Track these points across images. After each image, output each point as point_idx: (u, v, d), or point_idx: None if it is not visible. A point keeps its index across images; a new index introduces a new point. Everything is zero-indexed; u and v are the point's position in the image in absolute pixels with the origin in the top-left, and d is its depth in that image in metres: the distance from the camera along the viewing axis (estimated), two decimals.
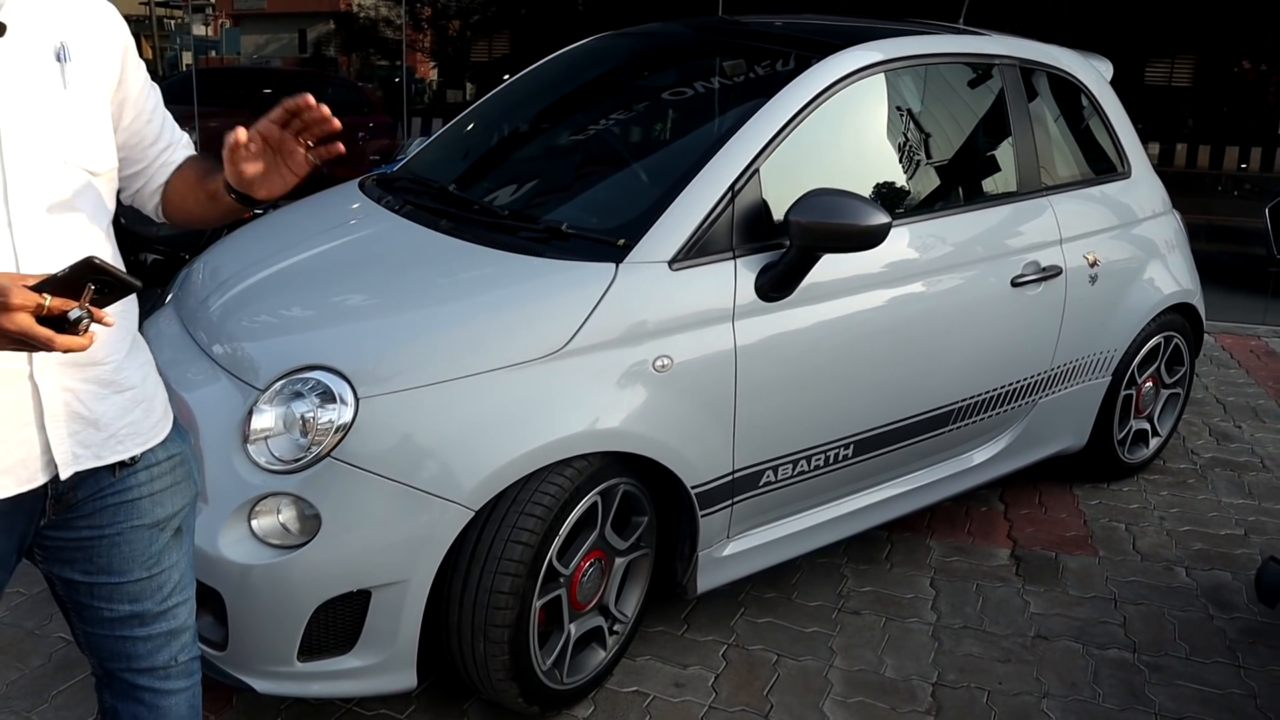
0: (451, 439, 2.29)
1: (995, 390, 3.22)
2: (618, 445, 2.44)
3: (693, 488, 2.60)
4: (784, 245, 2.61)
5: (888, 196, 2.94)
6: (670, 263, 2.51)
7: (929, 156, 3.08)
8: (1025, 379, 3.32)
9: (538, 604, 2.43)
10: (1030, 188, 3.30)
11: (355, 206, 3.13)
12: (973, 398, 3.16)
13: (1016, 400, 3.33)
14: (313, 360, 2.35)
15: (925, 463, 3.21)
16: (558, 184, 2.95)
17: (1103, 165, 3.67)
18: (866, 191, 2.81)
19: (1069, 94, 3.65)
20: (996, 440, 3.41)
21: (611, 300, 2.44)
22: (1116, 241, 3.56)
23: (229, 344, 2.57)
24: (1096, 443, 3.78)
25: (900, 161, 3.00)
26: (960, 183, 3.16)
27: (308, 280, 2.69)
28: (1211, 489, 3.96)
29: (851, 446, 2.91)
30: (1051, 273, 3.26)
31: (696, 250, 2.55)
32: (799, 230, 2.52)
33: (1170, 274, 3.79)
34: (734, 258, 2.60)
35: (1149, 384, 3.89)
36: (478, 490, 2.30)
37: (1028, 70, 3.43)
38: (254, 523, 2.33)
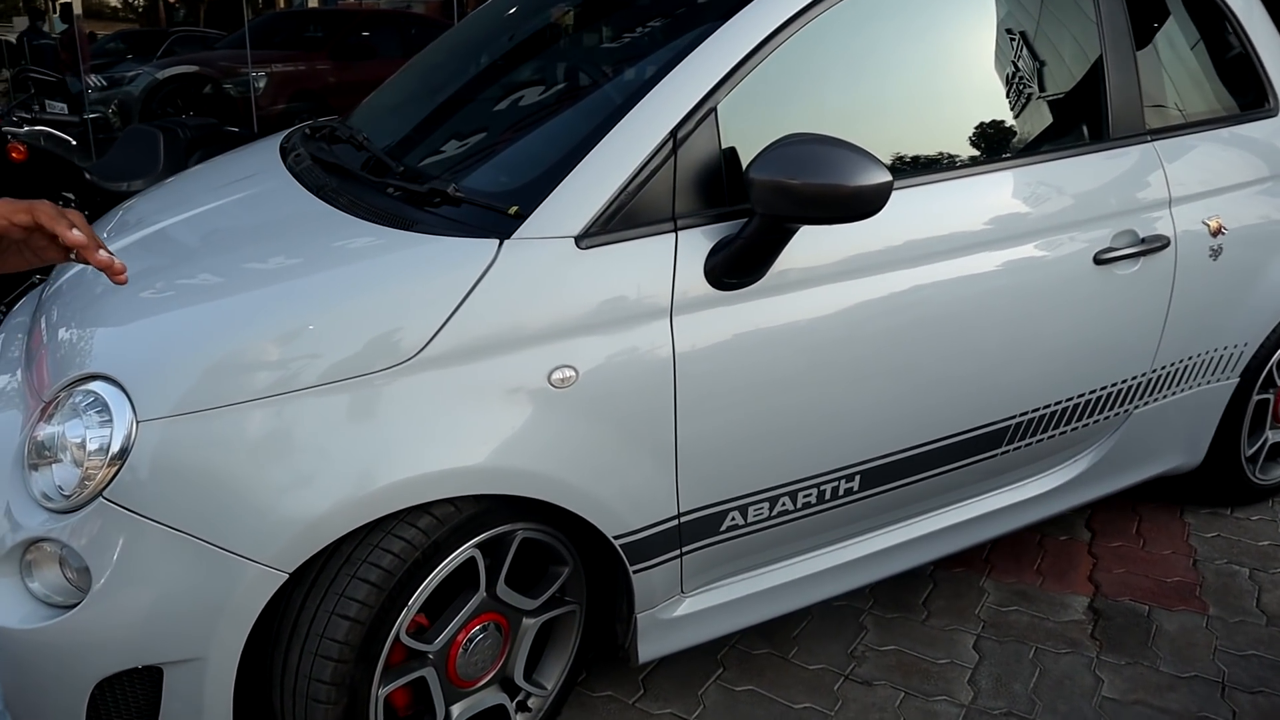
0: (257, 478, 1.64)
1: (1068, 401, 2.37)
2: (493, 486, 1.75)
3: (617, 538, 1.90)
4: (747, 213, 1.87)
5: (906, 146, 2.10)
6: (579, 238, 1.78)
7: (973, 88, 2.21)
8: (1112, 386, 2.46)
9: (383, 692, 1.79)
10: (1128, 129, 2.39)
11: (259, 161, 2.51)
12: (1035, 412, 2.32)
13: (1100, 412, 2.47)
14: (95, 367, 1.75)
15: (968, 493, 2.40)
16: (479, 137, 2.23)
17: (1239, 98, 2.70)
18: (875, 141, 1.99)
19: (1200, 6, 2.70)
20: (1073, 462, 2.56)
21: (488, 290, 1.73)
22: (1253, 201, 2.60)
23: (42, 340, 2.01)
24: (1217, 460, 2.86)
25: (928, 97, 2.15)
26: (1019, 126, 2.27)
27: (146, 259, 2.07)
28: None
29: (857, 478, 2.13)
30: (1155, 244, 2.36)
31: (619, 220, 1.81)
32: (763, 193, 1.75)
33: None
34: (675, 230, 1.84)
35: None
36: (291, 547, 1.65)
37: None
38: (27, 575, 1.77)
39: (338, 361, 1.66)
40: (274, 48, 8.40)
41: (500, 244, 1.75)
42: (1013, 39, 2.28)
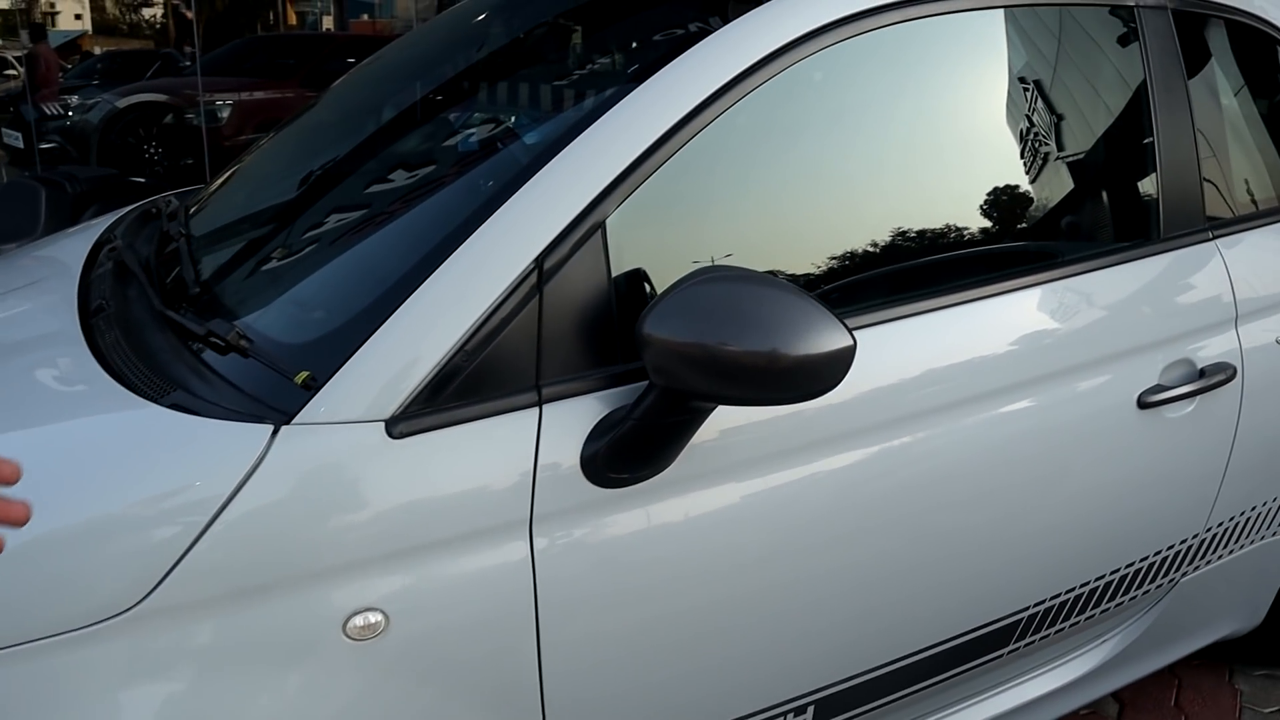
0: None
1: (1097, 581, 1.75)
2: None
3: None
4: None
5: (874, 263, 1.48)
6: (393, 421, 1.18)
7: (970, 180, 1.58)
8: (1155, 555, 1.83)
9: None
10: (1184, 224, 1.78)
11: (65, 253, 1.92)
12: (1054, 599, 1.72)
13: (1138, 588, 1.84)
14: None
15: (967, 693, 1.81)
16: (307, 249, 1.59)
17: None
18: (835, 259, 1.39)
19: (1260, 56, 2.09)
20: (1101, 644, 1.95)
21: (248, 504, 1.12)
22: None
23: None
24: (1277, 618, 2.26)
25: (909, 196, 1.52)
26: (1036, 226, 1.66)
27: None
28: None
29: (811, 709, 1.54)
30: (1217, 377, 1.75)
31: (455, 391, 1.20)
32: (662, 358, 1.15)
33: None
34: (538, 403, 1.24)
35: None
36: None
37: (1190, 18, 1.90)
38: None
39: (12, 618, 1.08)
40: (244, 74, 7.81)
41: (274, 433, 1.15)
42: (1027, 110, 1.67)
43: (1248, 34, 2.00)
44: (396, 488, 1.17)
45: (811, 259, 1.41)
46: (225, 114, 7.42)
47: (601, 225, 1.24)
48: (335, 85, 2.09)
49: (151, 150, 7.60)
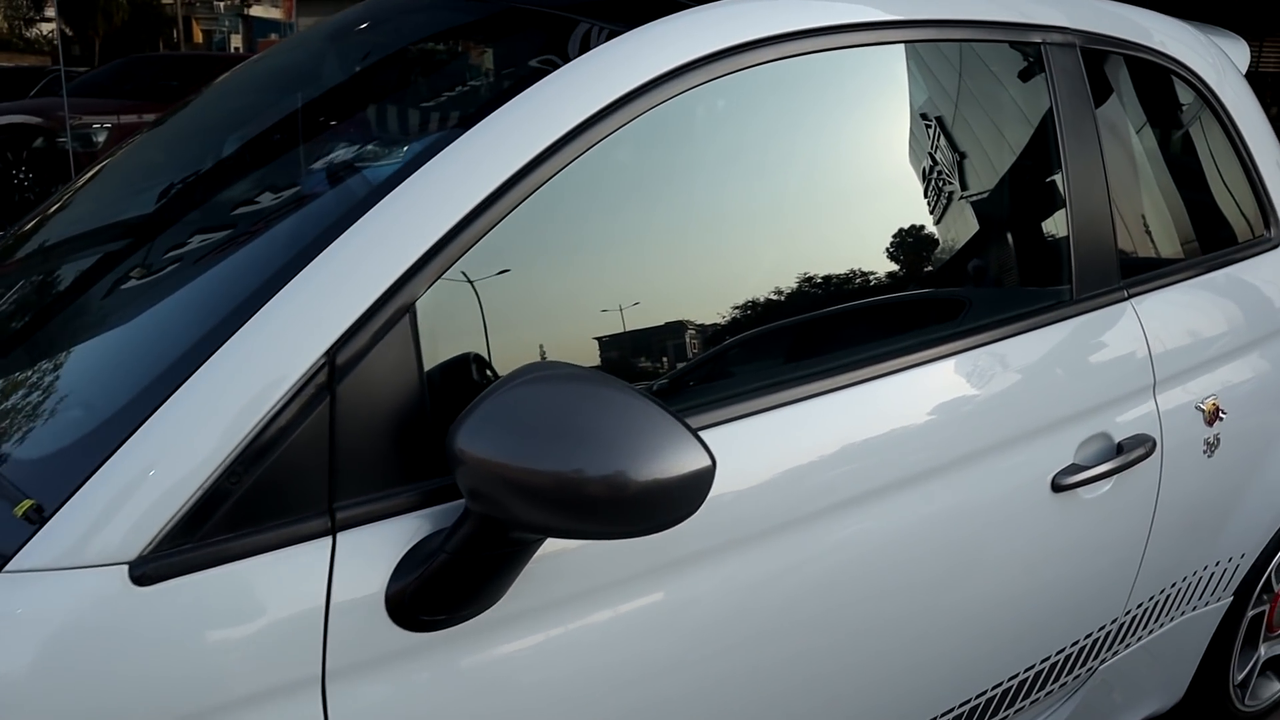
0: None
1: (1011, 681, 1.56)
2: None
3: None
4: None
5: (759, 343, 1.26)
6: (139, 564, 0.90)
7: (866, 243, 1.37)
8: (1072, 646, 1.64)
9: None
10: (1097, 283, 1.59)
11: None
12: (962, 705, 1.52)
13: (1055, 681, 1.64)
14: None
15: None
16: (76, 333, 1.30)
17: (1232, 226, 1.97)
18: (694, 341, 1.17)
19: (1172, 99, 1.95)
20: None
21: None
22: (1255, 366, 1.84)
23: None
24: (1199, 694, 2.11)
25: (796, 260, 1.30)
26: (938, 294, 1.47)
27: None
28: None
29: None
30: (1137, 452, 1.57)
31: (222, 521, 0.93)
32: (478, 479, 0.92)
33: None
34: (331, 531, 0.99)
35: None
36: None
37: (1097, 55, 1.75)
38: None
39: None
40: (124, 96, 7.33)
41: None
42: (924, 161, 1.48)
43: (1157, 74, 1.86)
44: (145, 649, 0.90)
45: (675, 339, 1.19)
46: (101, 138, 6.93)
47: (410, 308, 1.00)
48: (137, 138, 1.78)
49: (21, 175, 7.08)
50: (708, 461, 0.89)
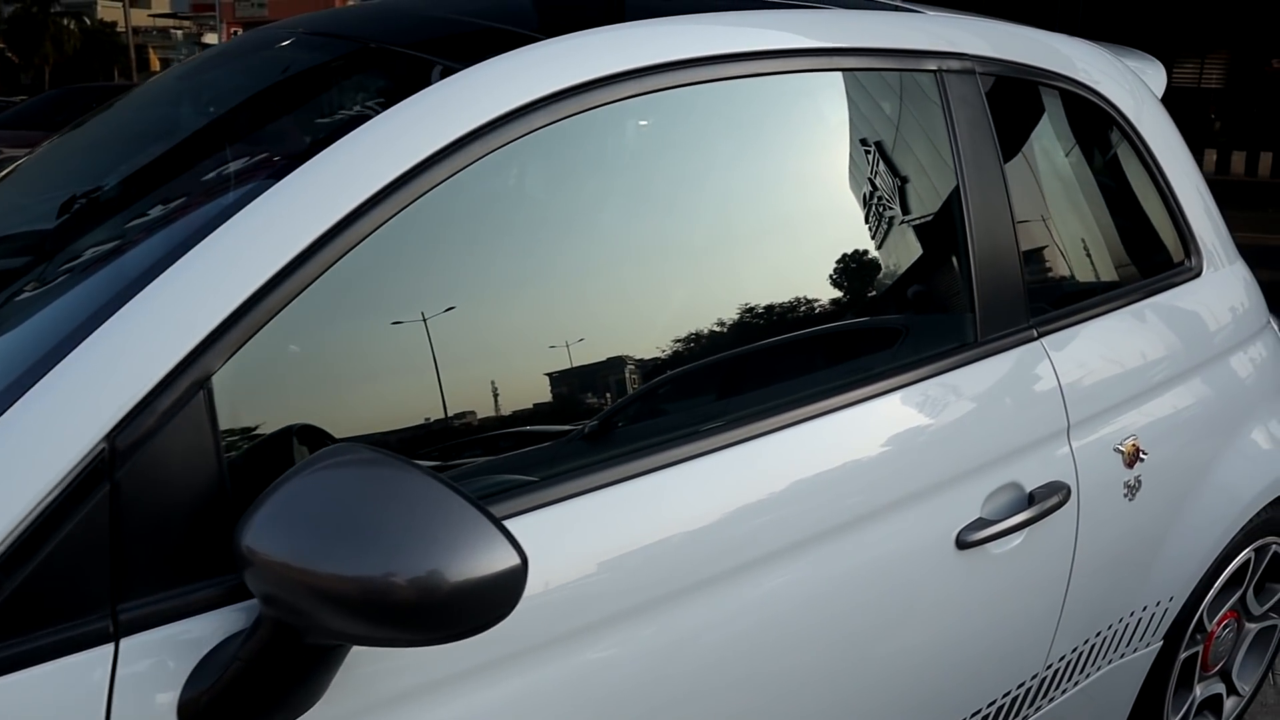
0: None
1: None
2: None
3: None
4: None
5: (619, 402, 1.14)
6: None
7: (743, 286, 1.26)
8: (988, 708, 1.56)
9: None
10: (1003, 323, 1.50)
11: None
12: None
13: None
14: None
15: None
16: None
17: (1150, 257, 1.90)
18: (543, 397, 1.07)
19: (1089, 127, 1.88)
20: None
21: None
22: (1177, 401, 1.75)
23: None
24: None
25: (662, 308, 1.20)
26: (825, 340, 1.36)
27: None
28: None
29: None
30: (1051, 501, 1.47)
31: None
32: (268, 584, 0.80)
33: (1276, 440, 2.01)
34: (113, 637, 0.86)
35: (1226, 622, 2.13)
36: None
37: (1009, 82, 1.67)
38: None
39: None
40: (55, 127, 7.09)
41: None
42: (811, 197, 1.39)
43: (1071, 102, 1.78)
44: None
45: (518, 402, 1.09)
46: None
47: (205, 383, 0.89)
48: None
49: None
50: (517, 561, 0.78)
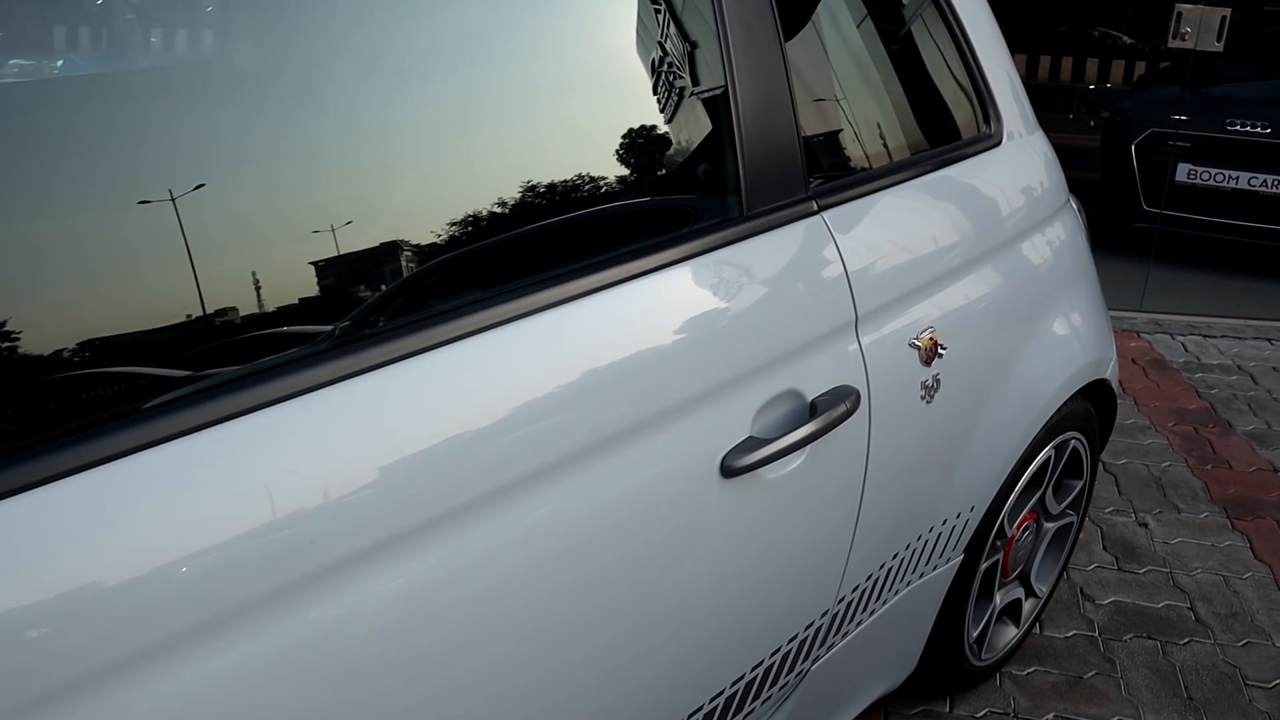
0: None
1: (715, 702, 1.22)
2: None
3: None
4: None
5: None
6: None
7: (464, 153, 0.92)
8: (771, 657, 1.29)
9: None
10: (774, 194, 1.21)
11: None
12: None
13: (752, 702, 1.31)
14: None
15: None
16: None
17: (946, 124, 1.65)
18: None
19: None
20: None
21: None
22: (979, 287, 1.54)
23: None
24: (932, 656, 1.87)
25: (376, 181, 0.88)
26: (564, 223, 0.99)
27: None
28: (1127, 692, 2.04)
29: None
30: (835, 412, 1.21)
31: None
32: None
33: (1074, 329, 1.83)
34: None
35: (1026, 525, 1.98)
36: None
37: None
38: None
39: None
40: None
41: None
42: (566, 63, 1.03)
43: None
44: None
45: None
46: None
47: None
48: None
49: None
50: None
